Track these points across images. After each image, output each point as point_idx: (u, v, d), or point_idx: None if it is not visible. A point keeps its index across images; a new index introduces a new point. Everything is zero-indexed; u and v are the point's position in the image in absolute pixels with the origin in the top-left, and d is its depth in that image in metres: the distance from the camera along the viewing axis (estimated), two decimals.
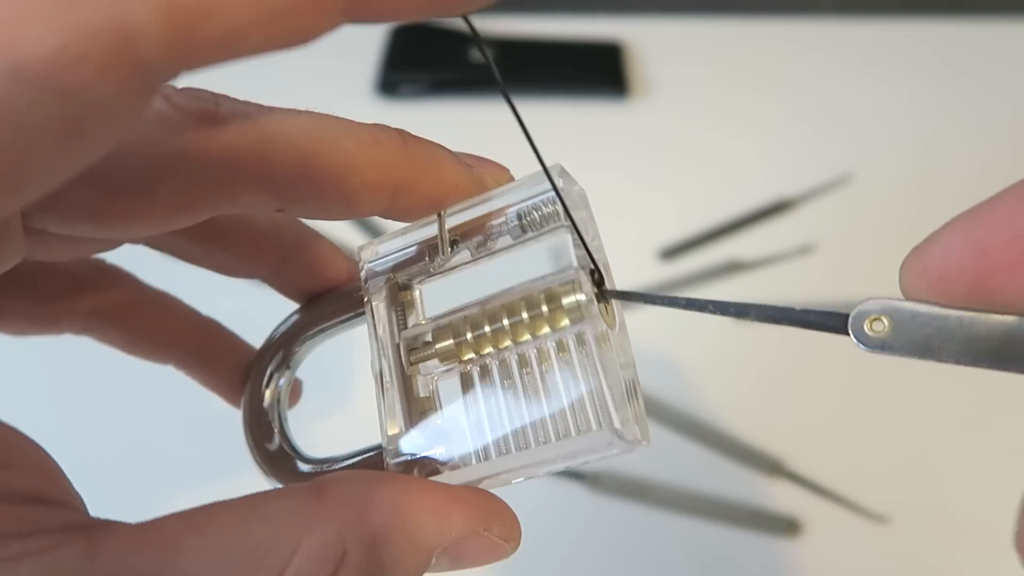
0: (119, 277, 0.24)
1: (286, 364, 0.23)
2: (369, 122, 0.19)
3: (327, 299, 0.23)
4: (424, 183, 0.20)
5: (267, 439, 0.22)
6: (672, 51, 0.66)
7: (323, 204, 0.19)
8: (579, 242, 0.19)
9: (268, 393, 0.23)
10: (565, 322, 0.19)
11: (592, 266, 0.19)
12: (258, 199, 0.19)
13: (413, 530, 0.17)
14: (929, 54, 0.67)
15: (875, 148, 0.59)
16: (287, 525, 0.16)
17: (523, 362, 0.19)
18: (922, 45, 0.67)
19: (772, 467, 0.43)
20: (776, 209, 0.55)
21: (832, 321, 0.17)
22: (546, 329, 0.19)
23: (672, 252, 0.52)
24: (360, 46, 0.65)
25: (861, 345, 0.17)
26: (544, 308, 0.19)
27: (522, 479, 0.19)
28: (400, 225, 0.21)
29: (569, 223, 0.19)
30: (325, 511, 0.17)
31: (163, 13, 0.12)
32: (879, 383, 0.47)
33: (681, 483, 0.42)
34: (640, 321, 0.48)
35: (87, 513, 0.17)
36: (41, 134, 0.13)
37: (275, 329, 0.23)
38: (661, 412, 0.45)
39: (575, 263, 0.19)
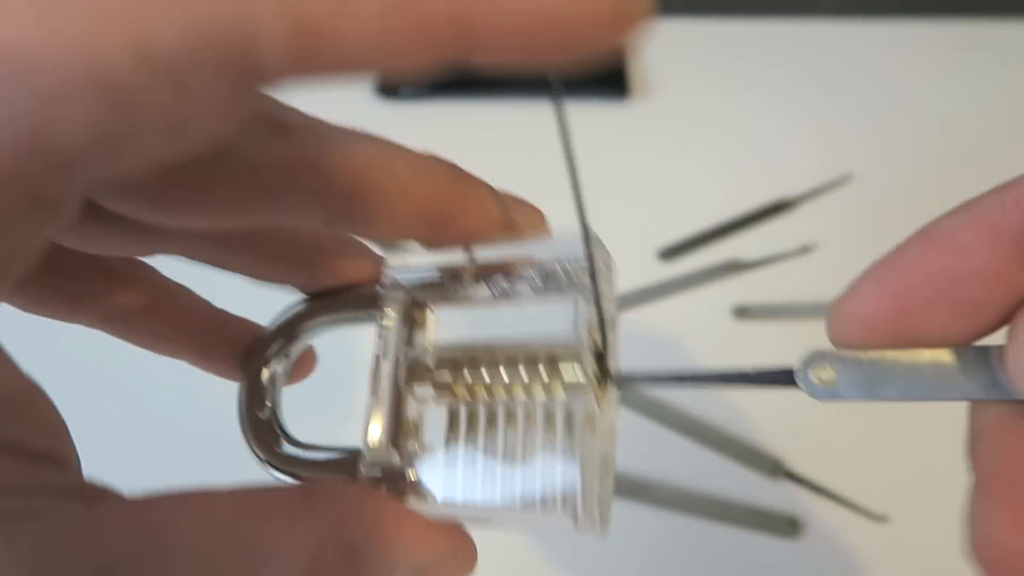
0: (145, 270, 0.24)
1: (286, 350, 0.23)
2: (422, 153, 0.20)
3: (337, 294, 0.23)
4: (466, 217, 0.20)
5: (263, 428, 0.23)
6: (672, 51, 0.66)
7: (369, 224, 0.20)
8: (596, 318, 0.20)
9: (266, 373, 0.23)
10: (559, 391, 0.19)
11: (599, 344, 0.20)
12: (310, 211, 0.19)
13: (387, 549, 0.18)
14: (929, 54, 0.67)
15: (875, 148, 0.59)
16: (274, 524, 0.17)
17: (510, 417, 0.19)
18: (922, 45, 0.67)
19: (772, 467, 0.43)
20: (776, 209, 0.55)
21: (781, 377, 0.18)
22: (540, 393, 0.19)
23: (672, 252, 0.53)
24: None
25: (811, 395, 0.18)
26: (543, 372, 0.19)
27: (479, 528, 0.20)
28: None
29: (592, 295, 0.20)
30: (311, 517, 0.17)
31: (291, 26, 0.13)
32: None
33: (681, 483, 0.43)
34: (641, 321, 0.48)
35: (83, 477, 0.17)
36: (147, 119, 0.13)
37: (282, 312, 0.24)
38: (661, 412, 0.45)
39: (583, 340, 0.19)
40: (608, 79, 0.63)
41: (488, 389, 0.20)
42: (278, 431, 0.22)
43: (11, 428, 0.15)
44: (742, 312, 0.49)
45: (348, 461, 0.21)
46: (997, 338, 0.17)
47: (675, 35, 0.68)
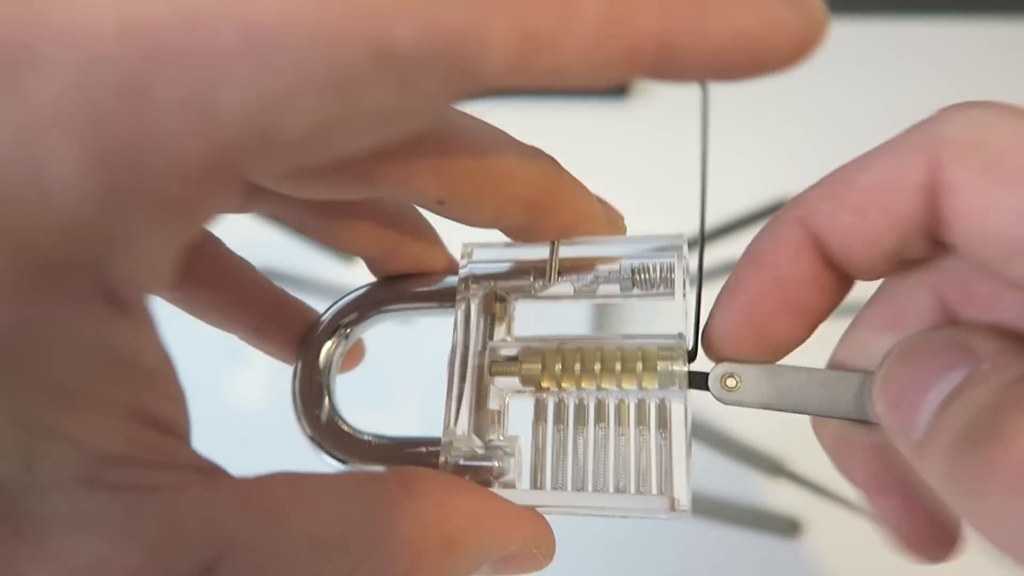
0: (212, 240, 0.23)
1: (345, 334, 0.23)
2: (527, 143, 0.21)
3: (408, 281, 0.23)
4: (564, 209, 0.21)
5: (317, 407, 0.22)
6: None
7: (476, 205, 0.20)
8: (692, 318, 0.20)
9: (323, 357, 0.23)
10: (654, 384, 0.20)
11: (692, 344, 0.20)
12: (428, 187, 0.19)
13: (481, 540, 0.18)
14: (929, 54, 0.67)
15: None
16: (378, 515, 0.17)
17: (600, 408, 0.20)
18: (922, 45, 0.67)
19: (772, 467, 0.43)
20: (776, 209, 0.55)
21: (697, 380, 0.20)
22: (631, 385, 0.20)
23: None
24: None
25: (718, 399, 0.20)
26: (639, 365, 0.20)
27: (562, 515, 0.20)
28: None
29: (694, 299, 0.20)
30: (412, 508, 0.17)
31: (518, 36, 0.13)
32: None
33: None
34: (639, 319, 0.48)
35: (196, 451, 0.16)
36: (365, 113, 0.13)
37: (344, 296, 0.23)
38: None
39: (686, 336, 0.20)
40: None
41: (578, 379, 0.20)
42: (336, 416, 0.22)
43: (150, 399, 0.15)
44: None
45: (428, 453, 0.21)
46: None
47: None
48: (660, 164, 0.59)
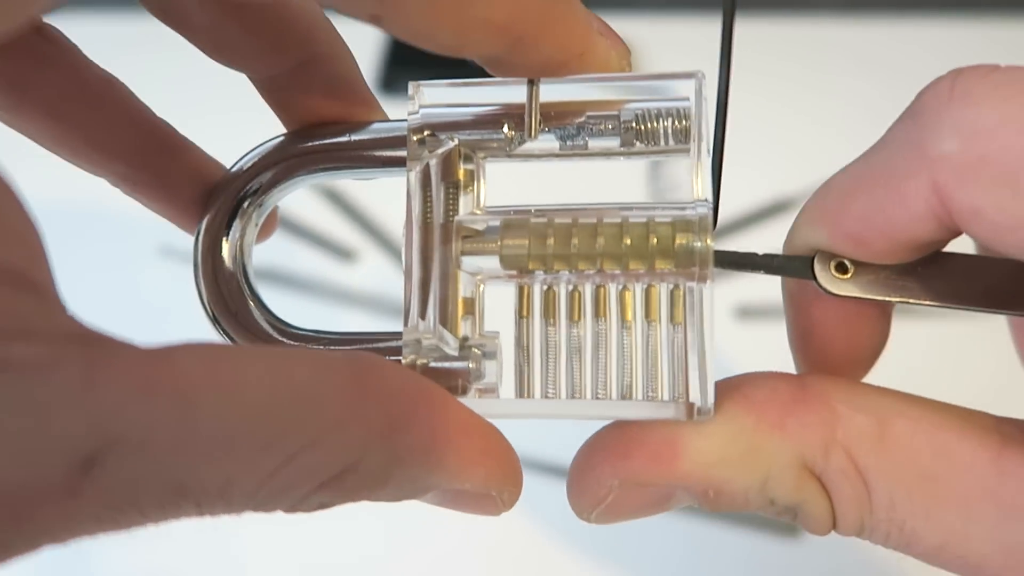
0: (59, 45, 0.18)
1: (259, 201, 0.18)
2: None
3: (331, 130, 0.18)
4: (552, 41, 0.16)
5: (229, 294, 0.18)
6: (674, 51, 0.66)
7: (430, 28, 0.16)
8: (714, 178, 0.17)
9: (236, 226, 0.18)
10: (670, 264, 0.16)
11: (713, 213, 0.17)
12: None
13: (433, 466, 0.15)
14: (929, 54, 0.67)
15: None
16: (318, 410, 0.14)
17: (598, 296, 0.16)
18: (923, 45, 0.67)
19: None
20: (776, 209, 0.55)
21: (795, 264, 0.17)
22: (643, 266, 0.16)
23: None
24: (362, 43, 0.64)
25: (825, 288, 0.17)
26: (651, 242, 0.16)
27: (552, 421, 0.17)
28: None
29: (715, 155, 0.17)
30: (363, 412, 0.14)
31: None
32: (879, 382, 0.46)
33: None
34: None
35: (66, 311, 0.12)
36: None
37: (253, 150, 0.19)
38: None
39: (710, 203, 0.16)
40: None
41: (573, 261, 0.16)
42: (263, 317, 0.18)
43: None
44: (743, 312, 0.49)
45: (385, 350, 0.17)
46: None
47: (677, 35, 0.68)
48: (658, 164, 0.58)
